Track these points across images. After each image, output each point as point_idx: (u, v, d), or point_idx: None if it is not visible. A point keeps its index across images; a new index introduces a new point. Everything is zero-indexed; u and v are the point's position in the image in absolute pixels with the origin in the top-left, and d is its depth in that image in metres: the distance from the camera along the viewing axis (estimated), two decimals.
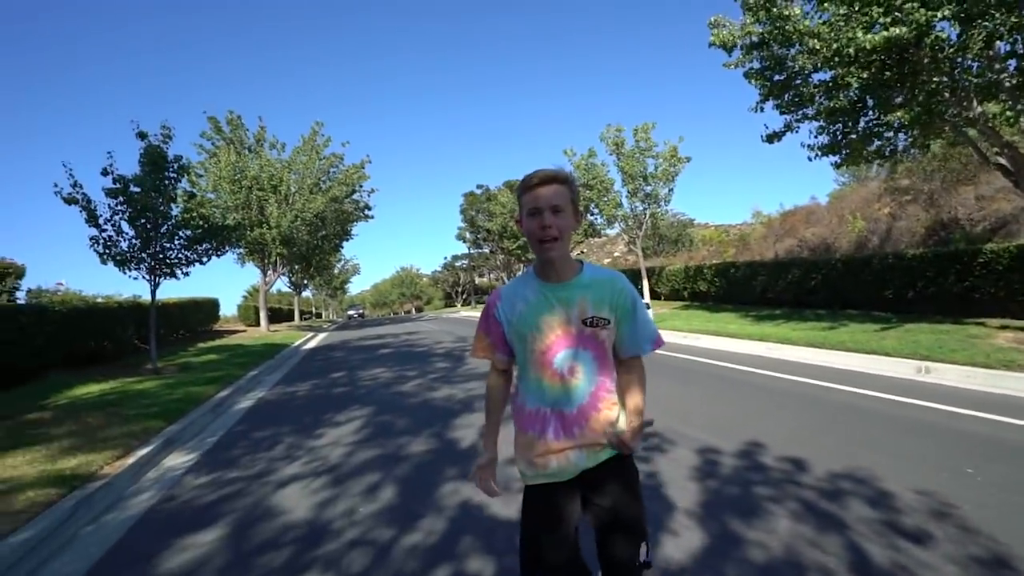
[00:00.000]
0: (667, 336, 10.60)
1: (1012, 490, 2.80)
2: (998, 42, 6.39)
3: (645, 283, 18.02)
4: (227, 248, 11.53)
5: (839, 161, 9.31)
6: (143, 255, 9.40)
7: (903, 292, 10.87)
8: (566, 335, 1.38)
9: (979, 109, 6.92)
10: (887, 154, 8.99)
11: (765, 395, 5.40)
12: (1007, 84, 6.53)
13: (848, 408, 4.68)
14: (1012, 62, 6.50)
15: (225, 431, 5.40)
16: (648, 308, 12.46)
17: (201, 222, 10.22)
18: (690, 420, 4.51)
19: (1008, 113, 6.35)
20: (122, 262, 9.24)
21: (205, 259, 10.45)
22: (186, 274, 10.11)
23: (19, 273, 16.83)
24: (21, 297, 15.31)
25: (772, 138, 9.66)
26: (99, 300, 13.56)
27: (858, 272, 12.02)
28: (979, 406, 4.43)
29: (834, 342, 7.80)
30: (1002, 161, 7.39)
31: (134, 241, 9.32)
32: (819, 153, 9.17)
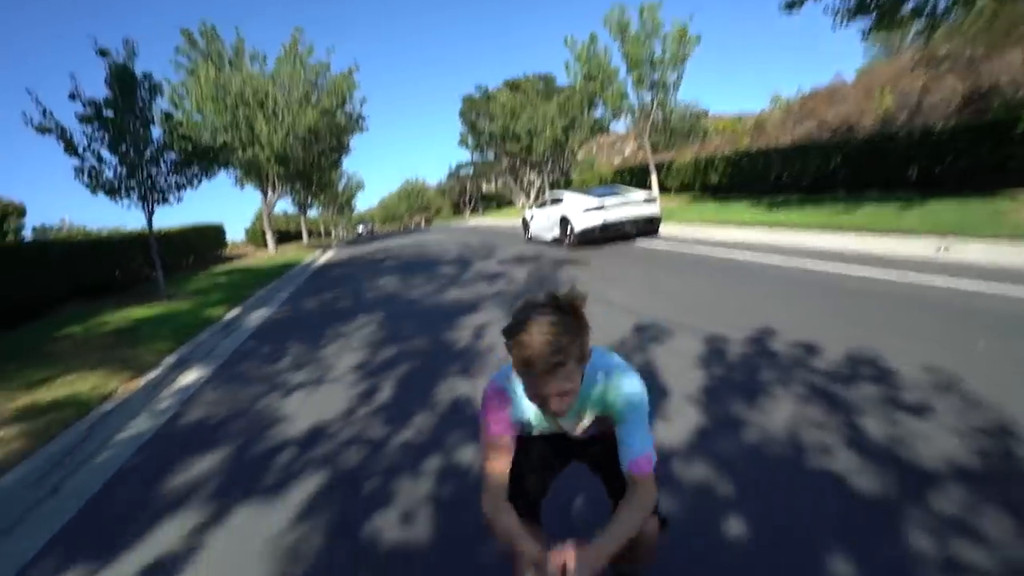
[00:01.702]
0: (674, 230, 10.32)
1: (1022, 362, 2.70)
2: None
3: (654, 177, 17.35)
4: (216, 170, 11.15)
5: (869, 26, 8.29)
6: (131, 182, 9.14)
7: (930, 168, 10.23)
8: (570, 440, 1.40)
9: None
10: (925, 13, 7.94)
11: (774, 283, 5.26)
12: None
13: (860, 291, 4.53)
14: None
15: (235, 348, 5.52)
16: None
17: (186, 144, 9.80)
18: (694, 311, 4.43)
19: None
20: (111, 191, 9.02)
21: (196, 183, 10.16)
22: (179, 199, 9.89)
23: (20, 212, 16.80)
24: (27, 236, 15.41)
25: (791, 5, 8.59)
26: (104, 233, 13.59)
27: (881, 150, 11.29)
28: (999, 281, 4.25)
29: (850, 226, 7.48)
30: None
31: (119, 168, 9.01)
32: (845, 17, 8.17)
